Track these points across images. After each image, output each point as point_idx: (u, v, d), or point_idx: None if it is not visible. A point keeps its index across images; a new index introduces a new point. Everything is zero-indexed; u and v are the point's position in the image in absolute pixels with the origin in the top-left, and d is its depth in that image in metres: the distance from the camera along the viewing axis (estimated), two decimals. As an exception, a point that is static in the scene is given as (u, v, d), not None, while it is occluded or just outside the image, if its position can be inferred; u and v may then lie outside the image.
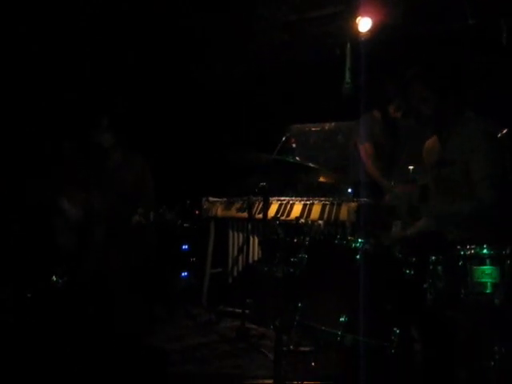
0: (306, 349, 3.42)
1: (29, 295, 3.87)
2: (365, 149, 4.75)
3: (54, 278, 3.81)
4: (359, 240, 2.34)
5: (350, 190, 4.94)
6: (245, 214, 4.44)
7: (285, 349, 2.75)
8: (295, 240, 2.62)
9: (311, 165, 2.86)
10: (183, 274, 5.32)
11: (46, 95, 4.87)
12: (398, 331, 2.21)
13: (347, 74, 4.47)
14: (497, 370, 2.02)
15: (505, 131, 3.64)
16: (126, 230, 3.83)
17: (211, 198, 4.98)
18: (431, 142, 2.96)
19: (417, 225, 2.76)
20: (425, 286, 2.19)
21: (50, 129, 4.72)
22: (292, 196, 4.69)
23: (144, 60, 5.41)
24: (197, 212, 4.80)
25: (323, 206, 4.45)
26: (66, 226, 3.90)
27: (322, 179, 3.09)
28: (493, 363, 2.02)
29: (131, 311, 3.88)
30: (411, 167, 3.73)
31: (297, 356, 3.29)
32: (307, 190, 4.68)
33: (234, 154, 3.78)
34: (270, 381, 2.67)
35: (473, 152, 2.60)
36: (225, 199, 4.92)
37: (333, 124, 5.78)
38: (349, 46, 4.47)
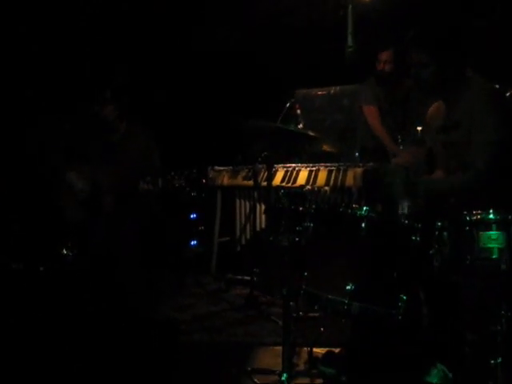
0: (316, 314, 3.45)
1: (41, 268, 3.92)
2: (370, 110, 4.69)
3: (65, 251, 3.84)
4: (365, 208, 2.32)
5: (357, 154, 4.91)
6: (251, 182, 4.43)
7: (294, 315, 2.76)
8: (300, 208, 2.61)
9: (314, 134, 2.82)
10: (192, 243, 5.34)
11: (48, 70, 4.85)
12: (404, 298, 2.20)
13: (349, 38, 4.37)
14: (504, 334, 2.02)
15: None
16: (134, 202, 3.84)
17: (217, 167, 4.96)
18: (435, 107, 2.90)
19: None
20: (431, 252, 2.18)
21: (55, 104, 4.72)
22: (297, 162, 4.66)
23: (144, 29, 5.33)
24: (203, 181, 4.80)
25: (329, 172, 4.42)
26: (75, 200, 3.92)
27: (325, 148, 3.06)
28: (499, 328, 2.02)
29: (141, 281, 3.91)
30: (419, 128, 3.67)
31: (306, 322, 3.32)
32: (312, 156, 4.65)
33: (238, 122, 3.75)
34: (280, 347, 2.69)
35: (479, 113, 2.54)
36: (230, 168, 4.90)
37: (338, 88, 5.71)
38: (350, 8, 4.34)
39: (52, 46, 4.89)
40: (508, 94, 3.51)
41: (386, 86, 4.64)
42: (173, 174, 3.71)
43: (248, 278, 4.40)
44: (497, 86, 2.75)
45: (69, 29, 4.95)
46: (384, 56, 4.50)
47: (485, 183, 2.49)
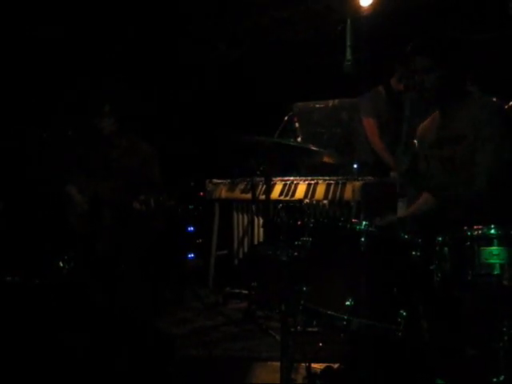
0: (314, 329, 3.41)
1: (37, 281, 3.89)
2: (369, 123, 4.67)
3: (61, 263, 3.82)
4: (364, 222, 2.29)
5: (355, 166, 4.87)
6: (249, 196, 4.41)
7: (292, 330, 2.73)
8: (299, 222, 2.59)
9: (313, 147, 2.81)
10: (190, 256, 5.32)
11: (48, 84, 4.86)
12: (404, 314, 2.17)
13: (348, 51, 4.37)
14: (506, 351, 1.99)
15: (511, 103, 3.56)
16: (133, 216, 3.83)
17: (215, 180, 4.94)
18: (428, 121, 2.87)
19: (418, 204, 2.72)
20: (431, 267, 2.15)
21: (54, 117, 4.73)
22: (296, 176, 4.63)
23: (141, 44, 5.36)
24: (201, 194, 4.79)
25: (328, 186, 4.40)
26: (75, 213, 3.92)
27: (325, 159, 3.05)
28: (502, 344, 1.99)
29: (139, 294, 3.89)
30: (416, 141, 3.66)
31: (304, 337, 3.28)
32: (311, 170, 4.63)
33: (236, 135, 3.74)
34: (278, 362, 2.65)
35: (485, 128, 2.49)
36: (228, 180, 4.88)
37: (337, 101, 5.70)
38: (349, 22, 4.35)
39: (51, 56, 4.90)
40: (507, 107, 3.50)
41: (396, 98, 4.60)
42: (165, 194, 3.71)
43: (246, 291, 4.36)
44: (495, 100, 2.72)
45: (69, 41, 4.96)
46: (394, 79, 4.52)
47: (486, 202, 2.45)
